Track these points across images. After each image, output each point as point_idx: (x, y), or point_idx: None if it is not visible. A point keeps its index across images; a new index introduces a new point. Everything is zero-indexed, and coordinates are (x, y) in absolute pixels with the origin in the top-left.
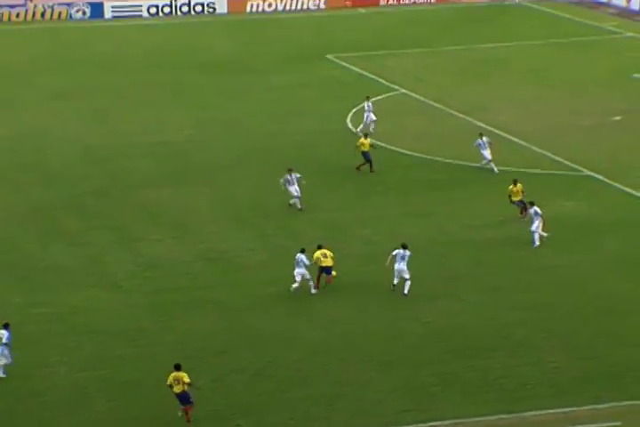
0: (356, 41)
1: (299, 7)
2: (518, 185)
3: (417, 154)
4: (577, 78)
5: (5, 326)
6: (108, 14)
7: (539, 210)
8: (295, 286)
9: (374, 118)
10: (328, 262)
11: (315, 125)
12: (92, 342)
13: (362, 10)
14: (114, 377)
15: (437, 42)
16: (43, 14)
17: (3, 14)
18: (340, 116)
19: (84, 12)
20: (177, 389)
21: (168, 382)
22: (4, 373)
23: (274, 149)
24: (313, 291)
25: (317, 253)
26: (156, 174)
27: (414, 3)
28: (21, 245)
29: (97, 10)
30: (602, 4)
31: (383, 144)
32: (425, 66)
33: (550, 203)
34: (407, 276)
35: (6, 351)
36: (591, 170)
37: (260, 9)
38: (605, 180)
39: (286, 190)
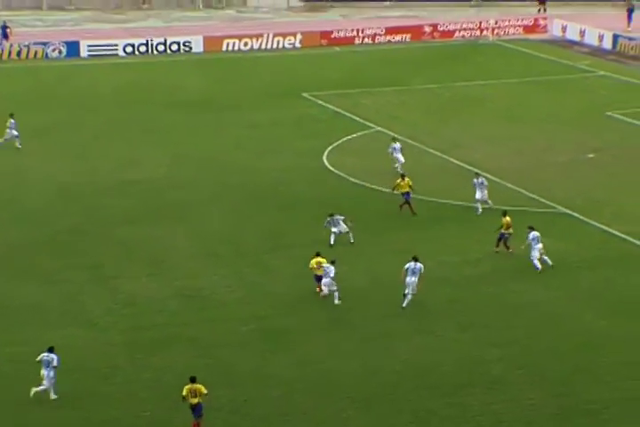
0: (331, 79)
1: (274, 46)
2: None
3: (392, 191)
4: (551, 116)
5: (51, 350)
6: (84, 53)
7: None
8: (323, 293)
9: (402, 160)
10: (321, 272)
11: (290, 162)
12: (67, 380)
13: (337, 48)
14: (90, 416)
15: (412, 80)
16: (19, 53)
17: None
18: (316, 154)
19: (60, 51)
20: (193, 400)
21: (183, 394)
22: (55, 393)
23: (249, 185)
24: (336, 302)
25: (313, 262)
26: (132, 212)
27: (389, 41)
28: None
29: (73, 49)
30: (574, 43)
31: (359, 181)
32: (400, 104)
33: (525, 240)
34: (413, 291)
35: (52, 373)
36: (566, 207)
37: (236, 48)
38: (580, 217)
39: (330, 232)
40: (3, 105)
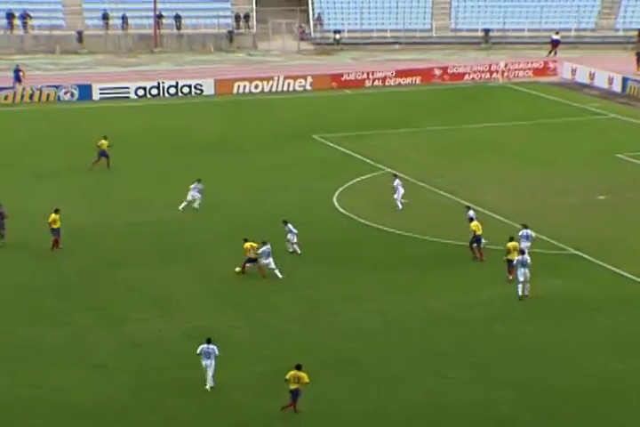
0: (341, 121)
1: (285, 88)
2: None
3: (402, 232)
4: (562, 158)
5: (209, 341)
6: (96, 96)
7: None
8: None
9: (402, 192)
10: (255, 255)
11: (300, 204)
12: (76, 422)
13: (348, 91)
14: None
15: (423, 122)
16: (31, 96)
17: None
18: (326, 195)
19: (73, 94)
20: (293, 386)
21: (287, 377)
22: (213, 382)
23: (258, 226)
24: (280, 276)
25: (247, 246)
26: (141, 253)
27: (399, 84)
28: (5, 325)
29: (85, 92)
30: (584, 85)
31: (369, 222)
32: (410, 146)
33: (536, 281)
34: (526, 279)
35: (215, 362)
36: (576, 248)
37: (247, 90)
38: (591, 258)
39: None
40: (15, 147)
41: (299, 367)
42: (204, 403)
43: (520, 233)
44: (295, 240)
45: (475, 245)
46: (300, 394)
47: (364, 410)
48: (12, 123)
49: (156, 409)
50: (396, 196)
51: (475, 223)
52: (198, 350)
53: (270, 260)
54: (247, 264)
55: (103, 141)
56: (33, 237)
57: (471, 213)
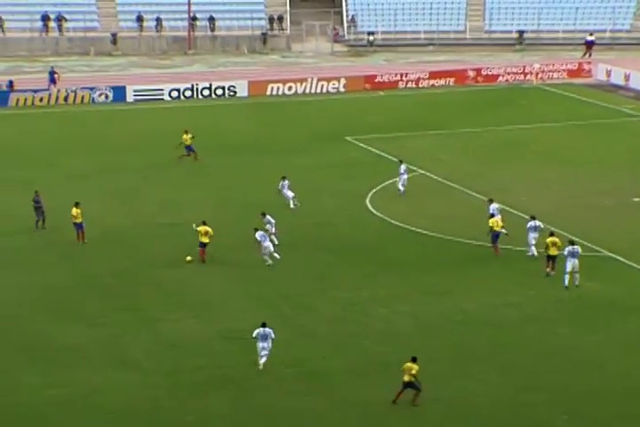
0: (375, 123)
1: (318, 90)
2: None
3: (434, 234)
4: (597, 159)
5: (264, 325)
6: (130, 98)
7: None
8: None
9: (405, 178)
10: (206, 239)
11: (333, 205)
12: (110, 423)
13: (381, 93)
14: None
15: (456, 124)
16: (66, 98)
17: (27, 99)
18: (359, 196)
19: (107, 96)
20: (406, 378)
21: (403, 367)
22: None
23: (291, 227)
24: (271, 261)
25: (202, 230)
26: (175, 254)
27: (432, 86)
28: (40, 325)
29: (119, 93)
30: (619, 87)
31: (402, 224)
32: (443, 147)
33: (570, 284)
34: (576, 269)
35: (271, 345)
36: (610, 251)
37: (280, 92)
38: (625, 260)
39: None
40: (49, 149)
41: (414, 359)
42: (238, 403)
43: (528, 225)
44: (274, 231)
45: (497, 241)
46: (417, 387)
47: (394, 413)
48: (46, 124)
49: (191, 410)
50: (400, 182)
51: (493, 219)
52: (254, 334)
53: (269, 243)
54: (201, 248)
55: (185, 136)
56: (67, 238)
57: (493, 207)
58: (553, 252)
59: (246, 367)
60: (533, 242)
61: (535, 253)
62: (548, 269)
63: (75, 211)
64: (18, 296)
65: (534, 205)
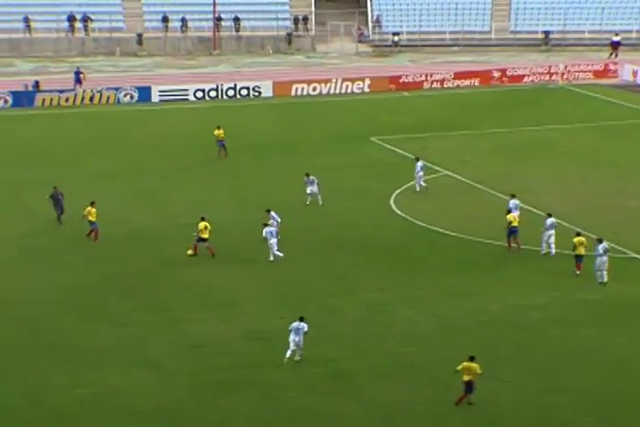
0: (399, 123)
1: (343, 91)
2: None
3: (459, 234)
4: (622, 160)
5: (302, 319)
6: (155, 98)
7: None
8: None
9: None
10: (205, 234)
11: (357, 205)
12: (134, 424)
13: (405, 93)
14: None
15: (481, 124)
16: (91, 98)
17: (52, 99)
18: (384, 197)
19: (132, 96)
20: (465, 377)
21: (458, 368)
22: (300, 356)
23: (316, 227)
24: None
25: (201, 225)
26: (199, 254)
27: (457, 86)
28: (65, 325)
29: (144, 94)
30: None
31: (426, 225)
32: (468, 148)
33: (595, 285)
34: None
35: (302, 339)
36: (637, 252)
37: (305, 92)
38: None
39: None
40: (75, 149)
41: (472, 358)
42: (262, 404)
43: (547, 223)
44: (276, 228)
45: (511, 236)
46: (473, 384)
47: (418, 414)
48: (72, 124)
49: (215, 410)
50: (417, 179)
51: (510, 215)
52: (290, 327)
53: (275, 240)
54: (198, 244)
55: (217, 131)
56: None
57: (512, 203)
58: (581, 251)
59: (270, 367)
60: (550, 240)
61: (553, 252)
62: (576, 270)
63: (88, 209)
64: (44, 296)
65: (559, 206)
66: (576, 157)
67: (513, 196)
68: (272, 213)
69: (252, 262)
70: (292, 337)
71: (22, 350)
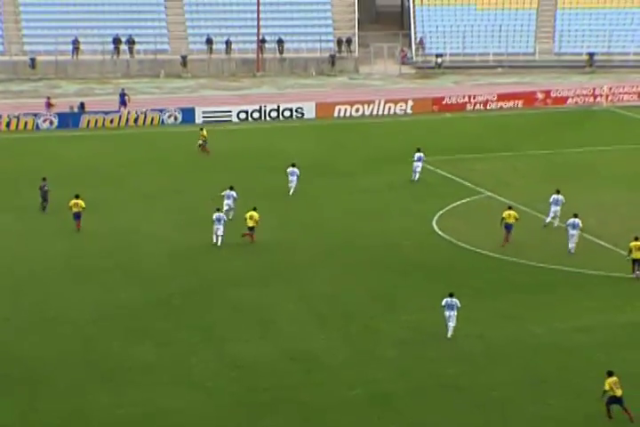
0: (442, 145)
1: (385, 112)
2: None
3: (502, 256)
4: None
5: (452, 295)
6: (198, 119)
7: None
8: None
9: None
10: (251, 223)
11: (400, 226)
12: None
13: (448, 115)
14: None
15: (524, 146)
16: (136, 120)
17: (97, 120)
18: (426, 218)
19: (176, 118)
20: (618, 392)
21: (606, 388)
22: (451, 332)
23: (358, 248)
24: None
25: (247, 215)
26: (242, 274)
27: (501, 108)
28: (108, 344)
29: (188, 115)
30: None
31: (469, 246)
32: (511, 170)
33: (636, 307)
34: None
35: (456, 314)
36: None
37: (348, 114)
38: None
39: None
40: (119, 169)
41: (610, 373)
42: (303, 425)
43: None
44: (232, 206)
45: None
46: (623, 401)
47: None
48: (117, 145)
49: None
50: (414, 169)
51: (505, 212)
52: (443, 303)
53: (220, 226)
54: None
55: (202, 133)
56: (136, 258)
57: (554, 197)
58: (637, 256)
59: (311, 388)
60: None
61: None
62: (636, 272)
63: (73, 202)
64: (88, 315)
65: (604, 228)
66: (620, 179)
67: (558, 192)
68: (232, 191)
69: (295, 281)
70: (446, 313)
71: (66, 368)
